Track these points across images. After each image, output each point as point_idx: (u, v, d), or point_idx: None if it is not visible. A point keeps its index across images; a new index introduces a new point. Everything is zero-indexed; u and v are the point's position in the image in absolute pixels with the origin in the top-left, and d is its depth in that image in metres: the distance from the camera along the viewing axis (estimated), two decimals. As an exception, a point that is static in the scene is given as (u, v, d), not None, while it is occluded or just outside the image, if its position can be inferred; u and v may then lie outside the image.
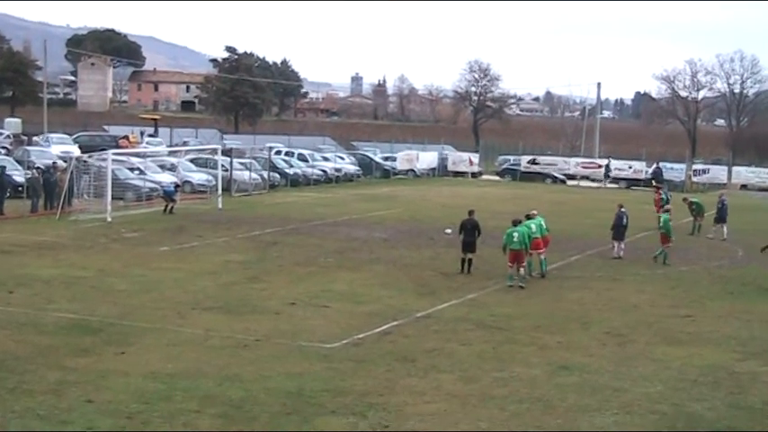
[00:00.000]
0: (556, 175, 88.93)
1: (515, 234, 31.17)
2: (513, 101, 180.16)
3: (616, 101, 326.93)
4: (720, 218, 47.24)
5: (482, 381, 19.73)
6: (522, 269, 31.37)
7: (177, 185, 50.57)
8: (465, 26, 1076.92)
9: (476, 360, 21.33)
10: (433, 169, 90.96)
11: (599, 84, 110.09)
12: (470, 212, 34.23)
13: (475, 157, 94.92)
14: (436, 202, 58.68)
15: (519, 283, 30.85)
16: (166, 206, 47.27)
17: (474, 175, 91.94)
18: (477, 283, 31.38)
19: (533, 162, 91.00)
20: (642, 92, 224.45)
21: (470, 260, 33.23)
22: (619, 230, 39.07)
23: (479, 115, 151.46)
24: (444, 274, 32.67)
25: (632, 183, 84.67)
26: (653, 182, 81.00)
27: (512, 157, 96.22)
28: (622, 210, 39.73)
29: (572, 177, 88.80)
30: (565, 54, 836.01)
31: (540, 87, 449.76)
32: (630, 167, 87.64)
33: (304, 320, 24.60)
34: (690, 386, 19.99)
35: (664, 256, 37.82)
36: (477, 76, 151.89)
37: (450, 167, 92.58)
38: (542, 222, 33.89)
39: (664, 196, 50.01)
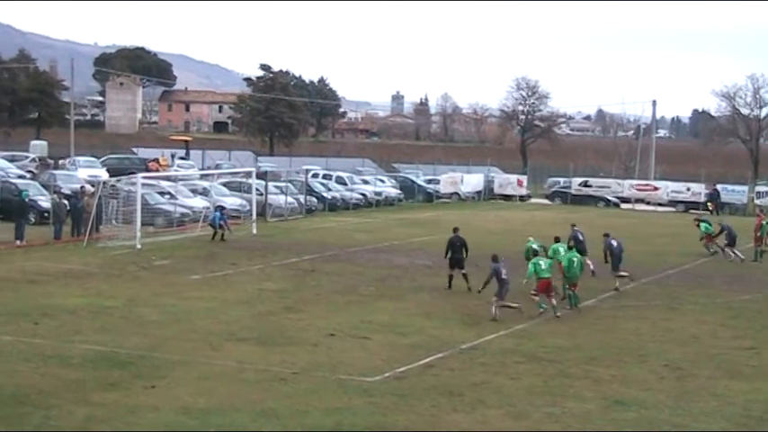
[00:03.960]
0: (609, 198, 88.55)
1: (542, 262, 31.44)
2: (562, 120, 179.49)
3: (672, 119, 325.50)
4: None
5: (532, 417, 19.59)
6: (553, 299, 31.13)
7: (222, 208, 50.17)
8: (512, 42, 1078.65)
9: (525, 395, 21.19)
10: (479, 192, 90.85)
11: (654, 101, 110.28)
12: (455, 230, 36.00)
13: (523, 179, 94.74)
14: (482, 227, 58.44)
15: (556, 313, 30.77)
16: (215, 233, 47.24)
17: (522, 198, 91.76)
18: (526, 312, 31.15)
19: (585, 184, 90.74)
20: (700, 109, 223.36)
21: (464, 275, 34.67)
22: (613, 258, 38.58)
23: (527, 135, 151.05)
24: (491, 303, 32.46)
25: (690, 206, 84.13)
26: (708, 204, 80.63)
27: (562, 180, 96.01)
28: (575, 229, 39.87)
29: (626, 201, 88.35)
30: (618, 70, 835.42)
31: (591, 105, 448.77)
32: (688, 190, 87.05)
33: (343, 352, 24.56)
34: (755, 423, 19.75)
35: None
36: (524, 93, 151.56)
37: (497, 190, 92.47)
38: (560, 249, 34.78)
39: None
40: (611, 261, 37.78)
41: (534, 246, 35.32)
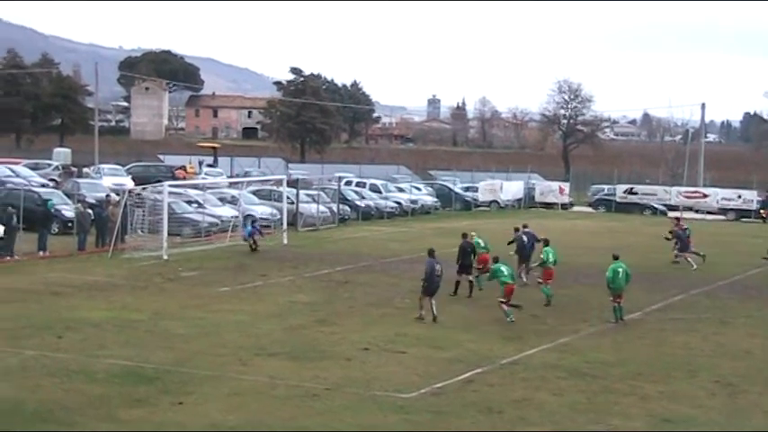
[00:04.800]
0: (655, 205, 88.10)
1: (503, 268, 31.94)
2: (606, 124, 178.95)
3: (722, 123, 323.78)
4: None
5: (576, 435, 19.53)
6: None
7: (253, 219, 50.30)
8: (553, 43, 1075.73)
9: (568, 412, 21.13)
10: (519, 200, 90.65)
11: (703, 104, 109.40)
12: (464, 235, 37.05)
13: (565, 187, 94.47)
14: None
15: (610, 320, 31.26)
16: (251, 247, 47.36)
17: (564, 206, 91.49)
18: (569, 325, 31.14)
19: (630, 191, 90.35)
20: (752, 112, 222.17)
21: (471, 282, 35.86)
22: (523, 253, 39.47)
23: (569, 140, 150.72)
24: (533, 316, 32.46)
25: (742, 214, 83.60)
26: (760, 211, 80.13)
27: (606, 187, 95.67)
28: (526, 230, 40.66)
29: (674, 208, 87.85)
30: (665, 72, 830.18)
31: (636, 109, 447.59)
32: (740, 197, 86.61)
33: (378, 367, 24.57)
34: (811, 442, 19.60)
35: None
36: (566, 97, 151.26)
37: (538, 198, 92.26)
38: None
39: None
40: (520, 255, 39.14)
41: (480, 242, 37.54)
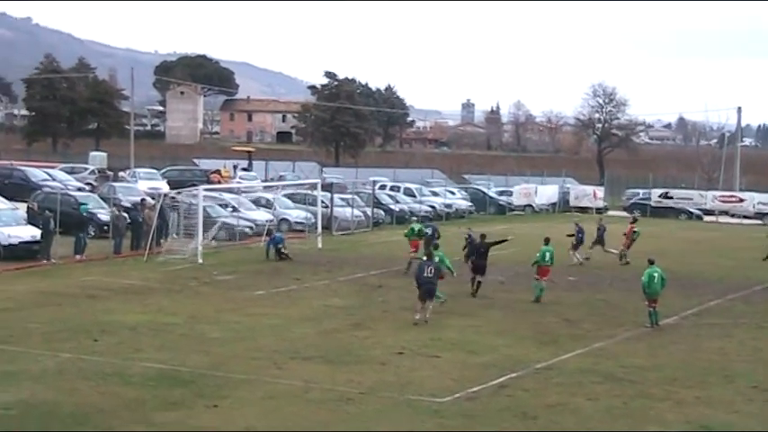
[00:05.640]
0: (691, 210, 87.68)
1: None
2: (641, 128, 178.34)
3: (759, 127, 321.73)
4: None
5: (611, 440, 19.44)
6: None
7: (278, 240, 49.33)
8: (588, 47, 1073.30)
9: (604, 417, 21.04)
10: (554, 204, 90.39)
11: (739, 108, 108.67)
12: (482, 236, 38.29)
13: (600, 191, 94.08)
14: (556, 240, 57.97)
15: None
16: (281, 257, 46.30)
17: (599, 210, 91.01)
18: (604, 330, 31.01)
19: (665, 196, 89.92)
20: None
21: (480, 283, 36.65)
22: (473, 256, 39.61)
23: (604, 144, 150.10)
24: (567, 321, 32.38)
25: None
26: None
27: (641, 191, 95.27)
28: (469, 232, 42.78)
29: (709, 213, 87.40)
30: (700, 76, 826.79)
31: (672, 113, 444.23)
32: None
33: (412, 372, 24.56)
34: None
35: None
36: (601, 101, 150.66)
37: (573, 202, 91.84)
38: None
39: None
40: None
41: (419, 227, 39.50)
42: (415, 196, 75.62)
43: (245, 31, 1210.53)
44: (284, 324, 30.27)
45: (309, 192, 60.94)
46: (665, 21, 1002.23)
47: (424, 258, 33.03)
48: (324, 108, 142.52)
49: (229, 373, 23.61)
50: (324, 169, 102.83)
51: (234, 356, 25.46)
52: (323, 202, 57.26)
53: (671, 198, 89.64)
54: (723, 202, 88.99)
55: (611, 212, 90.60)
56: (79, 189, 61.48)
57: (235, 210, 54.13)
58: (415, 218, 38.01)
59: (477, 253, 37.34)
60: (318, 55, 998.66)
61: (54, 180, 65.41)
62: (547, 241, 37.60)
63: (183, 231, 46.70)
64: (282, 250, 46.06)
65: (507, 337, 29.36)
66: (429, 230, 43.32)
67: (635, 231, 48.74)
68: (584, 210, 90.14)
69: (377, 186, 71.99)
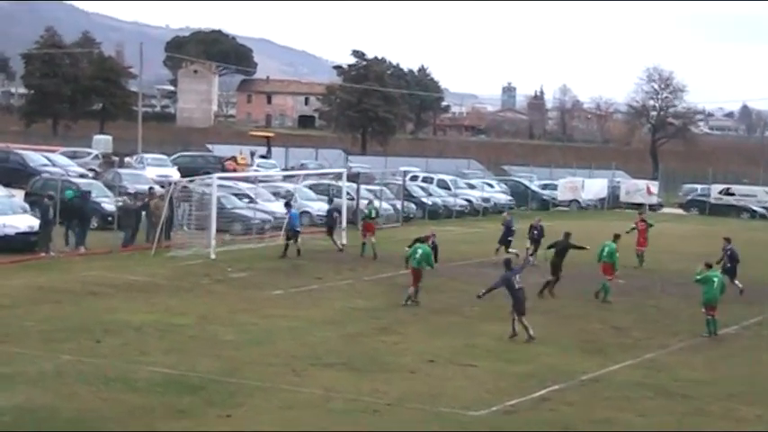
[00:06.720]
0: (755, 208, 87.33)
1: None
2: (700, 117, 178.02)
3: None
4: None
5: (663, 461, 19.42)
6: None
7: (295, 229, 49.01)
8: (642, 28, 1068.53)
9: (655, 435, 21.00)
10: (602, 200, 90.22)
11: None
12: (567, 234, 38.90)
13: (653, 186, 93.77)
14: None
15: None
16: (287, 246, 46.05)
17: (652, 207, 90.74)
18: (656, 339, 30.93)
19: (727, 192, 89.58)
20: None
21: (554, 282, 37.85)
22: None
23: (659, 134, 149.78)
24: (615, 328, 32.31)
25: None
26: None
27: (699, 186, 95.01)
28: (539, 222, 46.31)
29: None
30: (765, 60, 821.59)
31: (734, 101, 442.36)
32: None
33: (444, 381, 24.57)
34: None
35: None
36: (656, 87, 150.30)
37: (623, 198, 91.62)
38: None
39: None
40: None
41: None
42: (449, 189, 75.56)
43: (265, 4, 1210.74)
44: (304, 327, 30.30)
45: (334, 182, 60.89)
46: (724, 5, 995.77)
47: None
48: (350, 90, 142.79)
49: (243, 379, 23.66)
50: (349, 157, 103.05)
51: (248, 362, 25.51)
52: (348, 193, 57.07)
53: (732, 195, 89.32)
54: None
55: (665, 210, 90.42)
56: (81, 175, 61.64)
57: (252, 201, 54.05)
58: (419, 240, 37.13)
59: (557, 251, 38.19)
60: (345, 32, 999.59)
61: (54, 165, 65.69)
62: (616, 238, 38.94)
63: (195, 224, 46.69)
64: (291, 236, 45.80)
65: (549, 346, 29.30)
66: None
67: (650, 224, 48.93)
68: (636, 205, 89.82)
69: (408, 177, 71.92)
